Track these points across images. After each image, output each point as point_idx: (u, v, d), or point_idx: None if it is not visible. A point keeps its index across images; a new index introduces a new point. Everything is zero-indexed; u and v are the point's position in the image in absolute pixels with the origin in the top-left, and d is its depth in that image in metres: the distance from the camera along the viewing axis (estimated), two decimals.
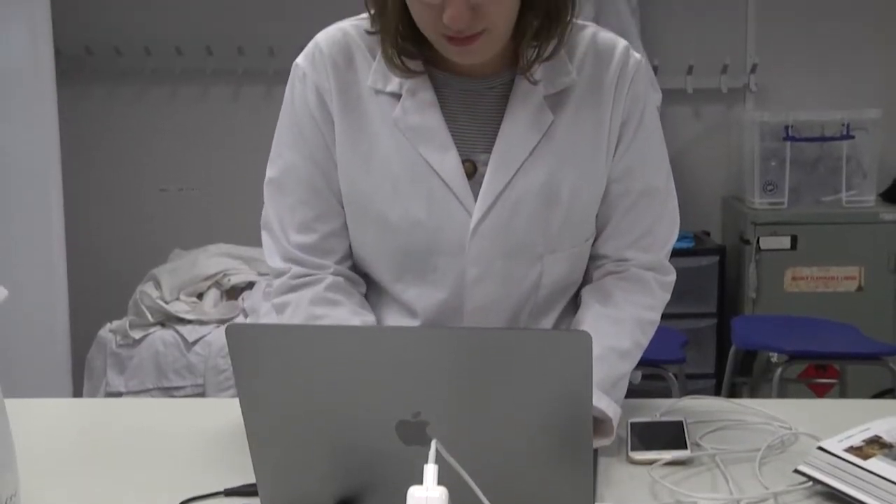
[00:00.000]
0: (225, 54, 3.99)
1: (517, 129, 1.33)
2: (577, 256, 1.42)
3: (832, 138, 3.67)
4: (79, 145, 3.77)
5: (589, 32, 1.38)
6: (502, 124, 1.34)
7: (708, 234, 3.99)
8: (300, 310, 1.37)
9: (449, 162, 1.33)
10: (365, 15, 1.35)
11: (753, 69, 3.93)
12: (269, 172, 1.42)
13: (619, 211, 1.41)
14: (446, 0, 1.19)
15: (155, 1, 4.01)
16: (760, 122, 3.68)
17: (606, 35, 1.40)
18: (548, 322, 1.43)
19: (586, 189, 1.37)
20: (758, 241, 3.60)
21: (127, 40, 4.00)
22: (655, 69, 3.78)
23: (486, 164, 1.34)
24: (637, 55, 1.40)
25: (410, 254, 1.36)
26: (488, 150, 1.34)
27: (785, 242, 3.60)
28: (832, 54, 3.95)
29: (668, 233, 1.45)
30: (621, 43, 1.39)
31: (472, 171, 1.34)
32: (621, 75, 1.36)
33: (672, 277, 1.46)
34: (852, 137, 3.64)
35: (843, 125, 3.65)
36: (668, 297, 1.46)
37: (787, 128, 3.65)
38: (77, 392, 3.33)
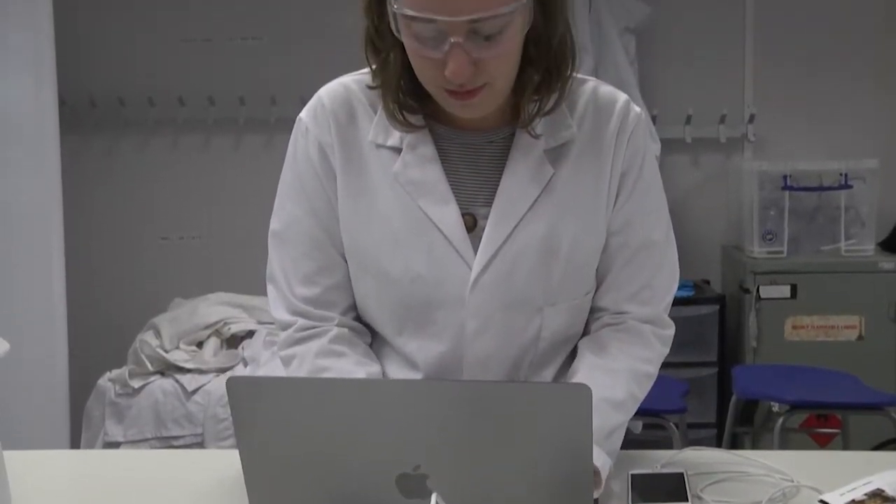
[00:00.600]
0: (227, 104, 4.03)
1: (517, 183, 1.34)
2: (577, 309, 1.42)
3: (830, 188, 3.68)
4: (81, 195, 3.79)
5: (590, 86, 1.40)
6: (503, 178, 1.35)
7: (708, 282, 3.99)
8: (306, 362, 1.38)
9: (449, 215, 1.33)
10: (366, 70, 1.36)
11: (751, 119, 3.96)
12: (273, 225, 1.44)
13: (617, 263, 1.41)
14: (448, 54, 1.20)
15: (158, 52, 4.06)
16: (759, 172, 3.70)
17: (607, 89, 1.41)
18: (548, 374, 1.43)
19: (586, 242, 1.37)
20: (758, 290, 3.59)
21: (130, 91, 4.03)
22: (654, 119, 3.81)
23: (486, 218, 1.34)
24: (637, 109, 1.41)
25: (411, 307, 1.36)
26: (488, 204, 1.35)
27: (785, 291, 3.60)
28: (829, 105, 3.98)
29: (667, 286, 1.45)
30: (622, 97, 1.40)
31: (473, 225, 1.35)
32: (621, 129, 1.38)
33: (671, 331, 1.46)
34: (850, 187, 3.66)
35: (840, 175, 3.66)
36: (666, 350, 1.45)
37: (785, 177, 3.67)
38: (75, 442, 3.31)
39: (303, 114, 1.41)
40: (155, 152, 4.14)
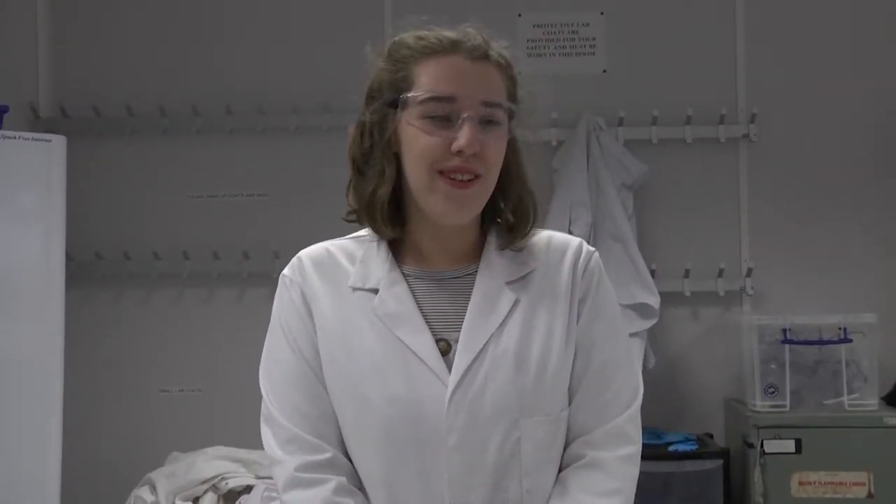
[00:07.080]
0: (230, 258, 4.09)
1: (485, 307, 1.47)
2: (554, 425, 1.48)
3: (830, 342, 3.67)
4: (84, 346, 3.81)
5: (545, 234, 1.57)
6: (470, 304, 1.48)
7: (711, 436, 3.93)
8: None
9: (424, 342, 1.45)
10: (347, 236, 1.54)
11: (749, 273, 4.00)
12: (261, 371, 1.54)
13: (582, 385, 1.50)
14: (461, 126, 1.38)
15: (163, 208, 4.15)
16: (758, 325, 3.70)
17: (561, 235, 1.58)
18: (542, 490, 1.46)
19: (553, 356, 1.47)
20: (762, 445, 3.54)
21: (136, 245, 4.11)
22: (653, 273, 3.85)
23: (458, 342, 1.45)
24: (590, 248, 1.56)
25: (391, 429, 1.42)
26: (459, 330, 1.46)
27: (789, 446, 3.54)
28: (825, 259, 4.02)
29: (630, 399, 1.52)
30: (575, 239, 1.57)
31: (447, 349, 1.46)
32: (576, 262, 1.53)
33: (633, 448, 1.51)
34: (850, 341, 3.65)
35: (840, 329, 3.66)
36: (633, 469, 1.50)
37: (784, 331, 3.67)
38: None
39: (286, 271, 1.55)
40: (159, 305, 4.17)
